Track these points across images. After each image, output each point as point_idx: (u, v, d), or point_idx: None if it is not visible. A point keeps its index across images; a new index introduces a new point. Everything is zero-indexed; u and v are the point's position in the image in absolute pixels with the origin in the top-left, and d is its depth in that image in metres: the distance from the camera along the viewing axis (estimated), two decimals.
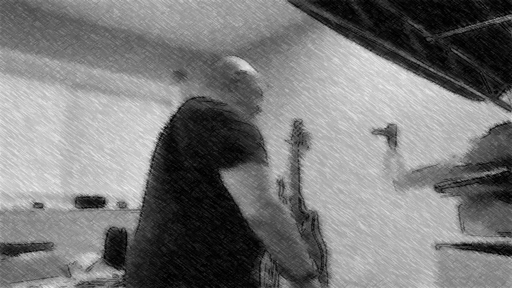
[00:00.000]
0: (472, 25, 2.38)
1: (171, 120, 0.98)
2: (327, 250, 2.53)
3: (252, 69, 1.36)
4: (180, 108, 1.05)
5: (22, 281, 2.99)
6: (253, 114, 1.34)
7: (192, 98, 1.09)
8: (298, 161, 2.87)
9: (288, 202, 2.81)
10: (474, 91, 2.94)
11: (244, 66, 1.34)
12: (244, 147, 0.95)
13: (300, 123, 2.94)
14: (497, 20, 2.30)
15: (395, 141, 2.44)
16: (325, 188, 4.16)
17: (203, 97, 1.10)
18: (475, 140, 2.20)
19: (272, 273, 2.40)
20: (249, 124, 1.03)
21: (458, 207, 2.29)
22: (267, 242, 0.93)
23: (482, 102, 3.14)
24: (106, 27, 4.75)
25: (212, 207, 0.93)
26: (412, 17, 2.35)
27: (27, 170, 4.25)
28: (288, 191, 2.87)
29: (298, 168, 2.86)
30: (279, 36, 4.83)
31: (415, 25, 2.40)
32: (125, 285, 0.96)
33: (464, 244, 2.18)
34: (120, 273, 2.81)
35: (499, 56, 2.86)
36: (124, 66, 4.84)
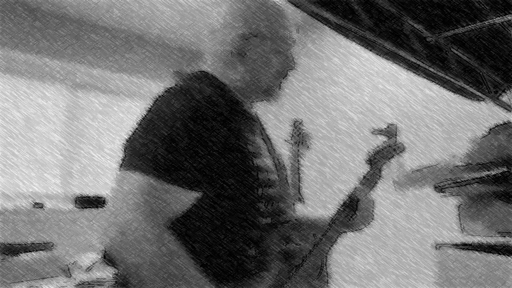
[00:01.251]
0: (472, 25, 2.38)
1: (170, 118, 0.94)
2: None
3: (266, 23, 1.10)
4: (178, 102, 0.94)
5: (22, 281, 2.99)
6: (279, 76, 1.13)
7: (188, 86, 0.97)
8: (298, 161, 2.87)
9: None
10: (474, 91, 2.94)
11: (249, 25, 1.11)
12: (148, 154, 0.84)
13: (300, 123, 2.94)
14: (497, 20, 2.30)
15: (396, 141, 2.43)
16: (325, 188, 4.16)
17: (198, 85, 0.97)
18: (475, 140, 2.20)
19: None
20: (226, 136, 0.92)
21: (458, 207, 2.29)
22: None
23: (482, 102, 3.14)
24: (106, 27, 4.75)
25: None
26: (412, 17, 2.35)
27: (27, 170, 4.25)
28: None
29: (298, 168, 2.85)
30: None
31: (415, 25, 2.40)
32: (124, 285, 0.95)
33: (464, 244, 2.18)
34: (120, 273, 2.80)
35: (499, 56, 2.86)
36: (124, 66, 4.84)
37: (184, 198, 0.86)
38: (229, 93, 1.03)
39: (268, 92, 1.12)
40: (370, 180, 1.21)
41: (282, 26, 1.13)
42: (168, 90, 0.96)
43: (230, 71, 1.12)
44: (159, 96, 0.96)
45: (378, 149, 1.27)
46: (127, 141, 0.94)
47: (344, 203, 1.18)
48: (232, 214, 0.96)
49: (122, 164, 0.90)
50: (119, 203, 0.82)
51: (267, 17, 1.13)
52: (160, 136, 0.86)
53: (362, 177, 1.22)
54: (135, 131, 0.93)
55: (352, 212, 1.18)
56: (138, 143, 0.88)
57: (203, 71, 1.09)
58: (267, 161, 1.06)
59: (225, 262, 0.94)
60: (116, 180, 0.87)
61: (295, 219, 1.19)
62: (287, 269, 1.06)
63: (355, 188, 1.21)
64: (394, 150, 1.27)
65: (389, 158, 1.26)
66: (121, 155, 0.94)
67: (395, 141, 2.51)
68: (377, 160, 1.23)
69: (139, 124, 0.93)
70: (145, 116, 0.94)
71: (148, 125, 0.90)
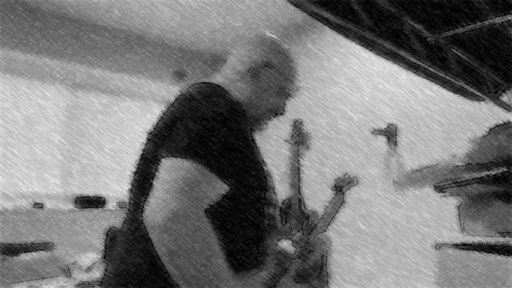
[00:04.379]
0: (472, 25, 2.38)
1: (170, 119, 0.97)
2: (327, 250, 2.53)
3: (287, 66, 1.19)
4: (180, 105, 1.00)
5: (22, 281, 2.99)
6: (270, 113, 1.19)
7: (193, 91, 1.02)
8: (298, 161, 2.87)
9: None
10: (474, 91, 2.94)
11: (277, 58, 1.18)
12: (198, 145, 0.88)
13: (300, 123, 2.94)
14: (497, 20, 2.30)
15: (395, 141, 2.44)
16: (325, 188, 4.16)
17: (204, 90, 1.01)
18: (475, 140, 2.20)
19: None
20: (240, 130, 0.97)
21: (458, 207, 2.29)
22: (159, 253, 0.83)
23: (482, 102, 3.14)
24: (106, 27, 4.75)
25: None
26: (412, 17, 2.35)
27: (27, 170, 4.25)
28: (288, 192, 2.86)
29: (298, 168, 2.85)
30: (279, 36, 4.83)
31: (415, 25, 2.40)
32: (125, 285, 0.96)
33: (464, 244, 2.18)
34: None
35: (499, 56, 2.86)
36: (124, 66, 4.84)
37: (219, 189, 0.90)
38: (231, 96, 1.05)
39: (257, 120, 1.19)
40: (336, 203, 1.42)
41: (294, 73, 1.22)
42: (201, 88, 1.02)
43: (250, 60, 1.17)
44: (193, 92, 1.01)
45: (340, 179, 1.49)
46: (162, 129, 0.97)
47: (302, 247, 1.30)
48: (247, 211, 1.02)
49: (170, 151, 0.90)
50: (169, 189, 0.84)
51: (287, 59, 1.21)
52: (203, 127, 0.91)
53: (329, 201, 1.42)
54: (175, 121, 0.95)
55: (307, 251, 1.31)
56: (183, 132, 0.91)
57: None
58: (265, 167, 1.12)
59: (236, 254, 0.97)
60: (164, 166, 0.88)
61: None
62: (278, 271, 1.11)
63: (325, 211, 1.38)
64: (351, 181, 1.49)
65: (348, 187, 1.48)
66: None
67: (395, 140, 2.49)
68: (341, 187, 1.46)
69: (180, 114, 0.96)
70: (183, 108, 0.97)
71: (192, 118, 0.93)
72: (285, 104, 1.22)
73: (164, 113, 1.03)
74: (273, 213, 1.15)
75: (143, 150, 1.04)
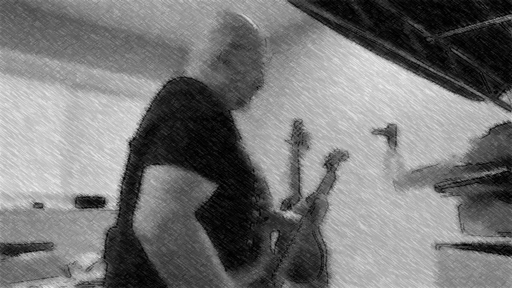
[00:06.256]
0: (472, 25, 2.38)
1: (152, 124, 0.97)
2: (327, 250, 2.54)
3: (251, 37, 1.19)
4: (157, 109, 0.99)
5: (22, 281, 2.99)
6: (252, 89, 1.20)
7: (179, 84, 1.01)
8: (298, 161, 2.87)
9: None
10: (474, 91, 2.94)
11: (239, 35, 1.18)
12: (181, 149, 0.87)
13: (300, 123, 2.94)
14: (497, 20, 2.30)
15: (395, 141, 2.44)
16: None
17: (189, 86, 1.00)
18: (475, 140, 2.20)
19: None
20: (226, 131, 0.96)
21: (458, 207, 2.29)
22: (155, 264, 0.83)
23: (482, 102, 3.14)
24: (106, 27, 4.75)
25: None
26: (412, 17, 2.35)
27: (27, 170, 4.25)
28: (288, 191, 2.86)
29: (298, 168, 2.85)
30: (279, 36, 4.83)
31: (415, 25, 2.40)
32: (125, 285, 0.96)
33: (464, 244, 2.18)
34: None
35: (499, 56, 2.86)
36: (124, 66, 4.84)
37: (208, 189, 0.89)
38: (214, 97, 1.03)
39: (241, 102, 1.19)
40: (328, 180, 1.43)
41: (260, 40, 1.22)
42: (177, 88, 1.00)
43: (219, 46, 1.16)
44: (171, 93, 0.99)
45: (331, 155, 1.49)
46: (145, 135, 0.96)
47: (310, 206, 1.35)
48: (237, 207, 1.01)
49: (152, 159, 0.89)
50: (159, 196, 0.83)
51: (248, 30, 1.22)
52: (188, 130, 0.89)
53: (321, 179, 1.43)
54: (154, 127, 0.95)
55: (315, 212, 1.36)
56: (166, 137, 0.90)
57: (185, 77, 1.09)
58: (250, 163, 1.12)
59: (228, 252, 0.97)
60: (152, 174, 0.87)
61: (273, 213, 1.31)
62: (273, 263, 1.11)
63: (318, 188, 1.39)
64: (342, 156, 1.49)
65: (339, 163, 1.48)
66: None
67: (395, 140, 2.50)
68: (332, 164, 1.46)
69: (160, 118, 0.95)
70: (163, 111, 0.96)
71: (171, 121, 0.92)
72: (263, 75, 1.22)
73: (144, 118, 1.02)
74: (263, 204, 1.15)
75: (128, 158, 1.03)
